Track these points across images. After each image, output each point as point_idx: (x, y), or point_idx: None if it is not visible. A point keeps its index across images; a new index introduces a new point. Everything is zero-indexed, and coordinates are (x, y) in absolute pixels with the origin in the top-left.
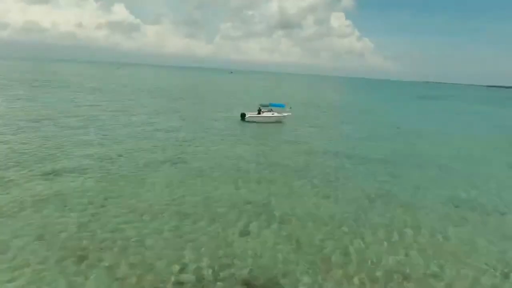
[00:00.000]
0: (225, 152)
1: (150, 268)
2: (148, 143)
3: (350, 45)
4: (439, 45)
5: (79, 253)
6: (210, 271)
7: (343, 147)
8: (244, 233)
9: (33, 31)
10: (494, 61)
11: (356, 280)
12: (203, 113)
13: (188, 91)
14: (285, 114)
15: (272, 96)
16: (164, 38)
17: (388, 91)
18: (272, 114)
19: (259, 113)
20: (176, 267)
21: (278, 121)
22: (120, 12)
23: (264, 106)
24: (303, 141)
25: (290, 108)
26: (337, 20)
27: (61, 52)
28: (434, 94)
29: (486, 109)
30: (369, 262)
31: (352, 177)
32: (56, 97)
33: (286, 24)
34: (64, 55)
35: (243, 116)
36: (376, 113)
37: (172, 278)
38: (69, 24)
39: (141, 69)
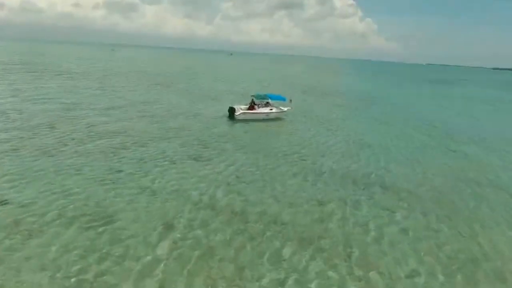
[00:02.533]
0: (183, 189)
1: None
2: (62, 177)
3: (352, 26)
4: (442, 26)
5: None
6: None
7: (365, 170)
8: None
9: (30, 12)
10: (498, 43)
11: None
12: (182, 106)
13: (177, 75)
14: (285, 109)
15: (271, 81)
16: (163, 19)
17: (395, 74)
18: (270, 109)
19: (252, 107)
20: None
21: (276, 117)
22: None
23: (259, 97)
24: (309, 159)
25: (291, 101)
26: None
27: (59, 33)
28: (445, 78)
29: None
30: None
31: (384, 252)
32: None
33: (288, 4)
34: (61, 36)
35: (231, 112)
36: (393, 103)
37: None
38: (66, 4)
39: (138, 51)
